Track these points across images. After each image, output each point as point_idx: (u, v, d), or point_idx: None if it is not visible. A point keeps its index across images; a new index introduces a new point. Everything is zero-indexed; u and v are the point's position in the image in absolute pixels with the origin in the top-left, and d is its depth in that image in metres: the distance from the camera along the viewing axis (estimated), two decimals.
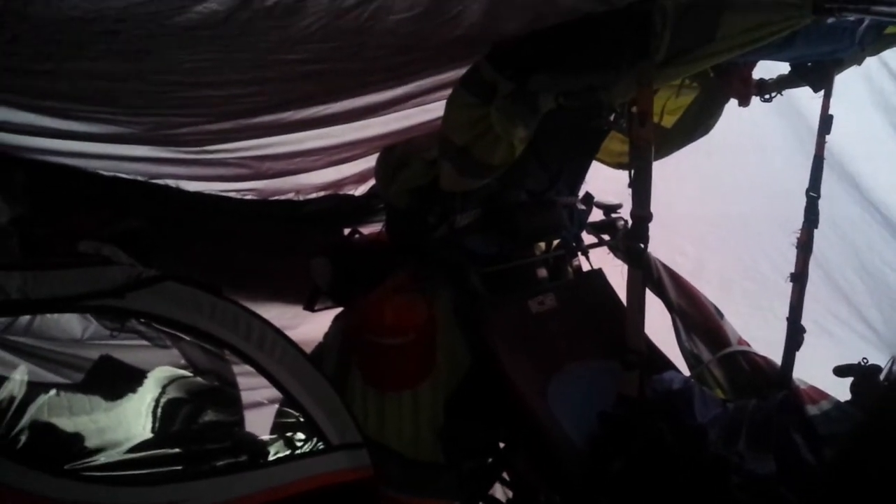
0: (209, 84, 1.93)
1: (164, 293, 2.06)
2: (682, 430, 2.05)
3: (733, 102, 2.48)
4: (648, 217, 1.87)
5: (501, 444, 2.75)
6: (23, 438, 2.14)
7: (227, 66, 1.89)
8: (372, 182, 3.08)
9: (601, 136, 2.66)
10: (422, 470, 2.52)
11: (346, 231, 3.15)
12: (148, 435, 2.34)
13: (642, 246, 1.89)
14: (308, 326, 3.08)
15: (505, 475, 2.89)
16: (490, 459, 2.79)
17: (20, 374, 2.46)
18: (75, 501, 1.92)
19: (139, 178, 2.62)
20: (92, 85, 1.94)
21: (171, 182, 2.69)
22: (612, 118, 2.18)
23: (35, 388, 2.50)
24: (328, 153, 2.59)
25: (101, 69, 1.85)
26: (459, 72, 2.18)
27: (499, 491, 3.09)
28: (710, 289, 2.77)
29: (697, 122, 2.54)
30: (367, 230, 3.20)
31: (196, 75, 1.91)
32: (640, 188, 1.86)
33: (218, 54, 1.81)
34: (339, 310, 2.97)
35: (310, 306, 3.04)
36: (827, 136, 2.22)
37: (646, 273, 1.94)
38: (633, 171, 1.88)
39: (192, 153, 2.42)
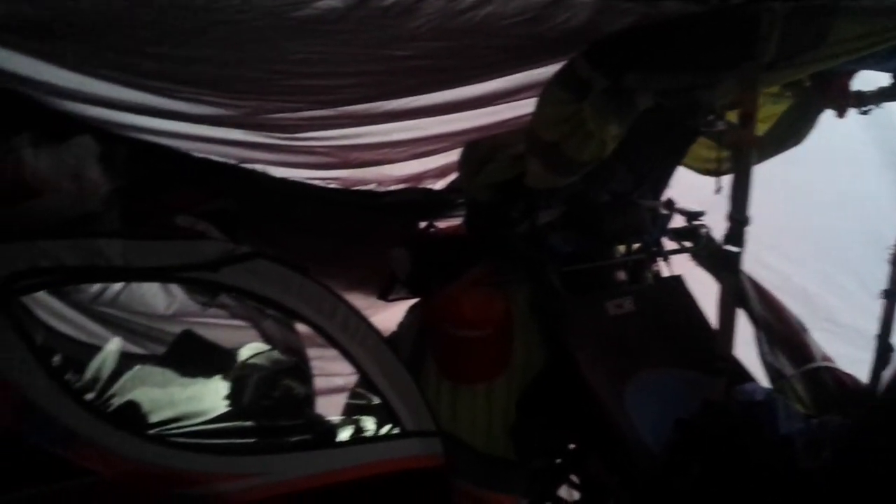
0: (315, 74, 1.99)
1: (255, 270, 2.12)
2: (768, 442, 2.01)
3: (827, 113, 2.44)
4: (746, 221, 1.84)
5: (572, 446, 2.74)
6: (114, 403, 2.26)
7: (336, 58, 1.94)
8: (451, 177, 3.11)
9: (690, 140, 2.63)
10: (492, 464, 2.54)
11: (422, 225, 3.21)
12: (226, 407, 2.41)
13: (738, 250, 1.86)
14: (381, 316, 3.12)
15: (573, 477, 2.89)
16: (560, 460, 2.79)
17: (114, 345, 2.58)
18: (159, 464, 1.98)
19: (229, 161, 2.70)
20: (201, 69, 2.01)
21: (259, 167, 2.77)
22: (710, 119, 2.15)
23: (125, 359, 2.63)
24: (414, 145, 2.63)
25: (213, 55, 1.93)
26: (552, 69, 2.19)
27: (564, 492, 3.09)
28: (793, 303, 2.71)
29: (790, 132, 2.48)
30: (442, 225, 3.25)
31: (304, 65, 1.96)
32: (740, 191, 1.83)
33: (328, 47, 1.87)
34: (412, 301, 3.02)
35: (384, 296, 3.09)
36: None
37: (739, 281, 1.91)
38: (733, 175, 1.85)
39: (284, 139, 2.48)
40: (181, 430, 2.19)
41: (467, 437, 2.53)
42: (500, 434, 2.52)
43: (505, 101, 2.44)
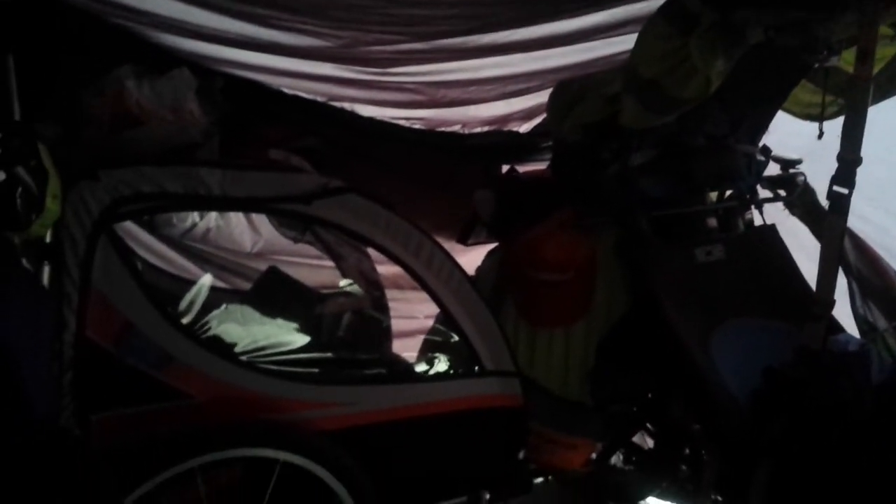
0: (414, 3, 1.96)
1: (346, 204, 2.16)
2: (860, 388, 1.96)
3: None
4: (858, 161, 1.77)
5: (649, 393, 2.73)
6: (208, 331, 2.34)
7: None
8: (537, 120, 3.07)
9: (794, 82, 2.52)
10: (568, 408, 2.55)
11: (505, 168, 3.19)
12: (311, 338, 2.48)
13: (846, 191, 1.79)
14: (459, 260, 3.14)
15: (649, 424, 2.88)
16: (636, 407, 2.78)
17: (206, 280, 2.68)
18: (250, 389, 2.08)
19: (318, 98, 2.72)
20: None
21: (347, 105, 2.78)
22: (824, 54, 2.05)
23: (215, 293, 2.72)
24: (503, 83, 2.60)
25: None
26: (653, 3, 2.11)
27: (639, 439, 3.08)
28: (890, 257, 2.61)
29: None
30: (525, 169, 3.22)
31: None
32: (853, 129, 1.75)
33: None
34: (490, 247, 3.02)
35: (463, 240, 3.09)
36: None
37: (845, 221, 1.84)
38: (846, 112, 1.77)
39: (375, 74, 2.48)
40: (270, 359, 2.26)
41: (543, 380, 2.54)
42: (577, 379, 2.52)
43: (602, 37, 2.37)
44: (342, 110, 2.82)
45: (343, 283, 2.91)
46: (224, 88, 2.35)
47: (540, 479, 3.15)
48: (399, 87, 2.59)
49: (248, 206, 2.29)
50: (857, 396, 1.93)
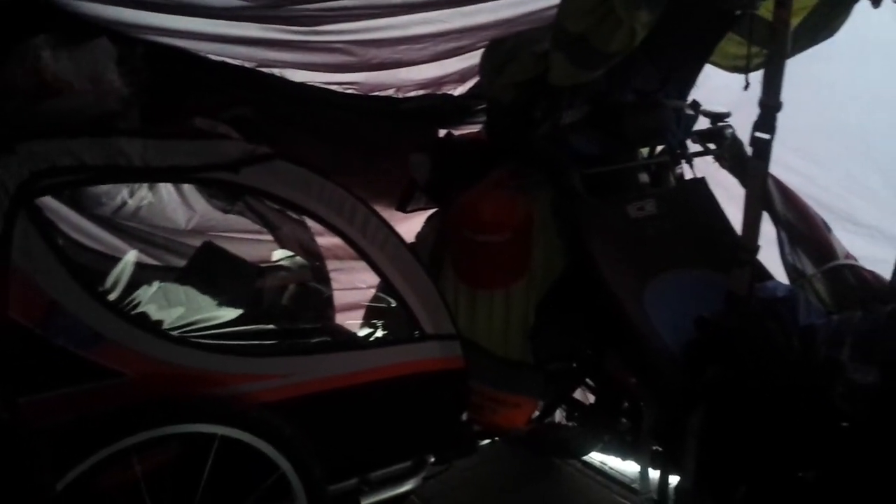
0: None
1: (275, 171, 2.12)
2: (790, 331, 2.02)
3: (862, 4, 2.34)
4: (778, 106, 1.80)
5: (588, 349, 2.76)
6: (137, 307, 2.28)
7: None
8: (471, 83, 3.05)
9: (720, 33, 2.54)
10: (510, 367, 2.56)
11: (442, 133, 3.16)
12: (248, 311, 2.44)
13: (768, 137, 1.82)
14: (398, 229, 3.12)
15: (588, 379, 2.92)
16: (576, 363, 2.82)
17: (132, 256, 2.60)
18: (183, 365, 2.03)
19: (247, 64, 2.64)
20: None
21: (277, 71, 2.71)
22: (747, 1, 2.07)
23: (145, 269, 2.65)
24: (434, 41, 2.54)
25: None
26: None
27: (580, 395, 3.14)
28: (817, 206, 2.67)
29: (823, 23, 2.39)
30: (460, 132, 3.20)
31: None
32: (773, 74, 1.78)
33: None
34: (430, 212, 3.00)
35: (402, 206, 3.07)
36: None
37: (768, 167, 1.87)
38: (766, 58, 1.80)
39: (303, 34, 2.40)
40: (205, 333, 2.23)
41: (485, 341, 2.55)
42: (518, 338, 2.53)
43: None
44: (272, 76, 2.75)
45: (281, 254, 2.88)
46: (147, 56, 2.28)
47: (487, 441, 3.20)
48: (328, 48, 2.52)
49: (171, 176, 2.22)
50: (784, 339, 1.98)
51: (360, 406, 2.31)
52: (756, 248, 1.96)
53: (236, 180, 2.07)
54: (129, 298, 2.33)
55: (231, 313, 2.44)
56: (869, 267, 2.48)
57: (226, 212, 2.72)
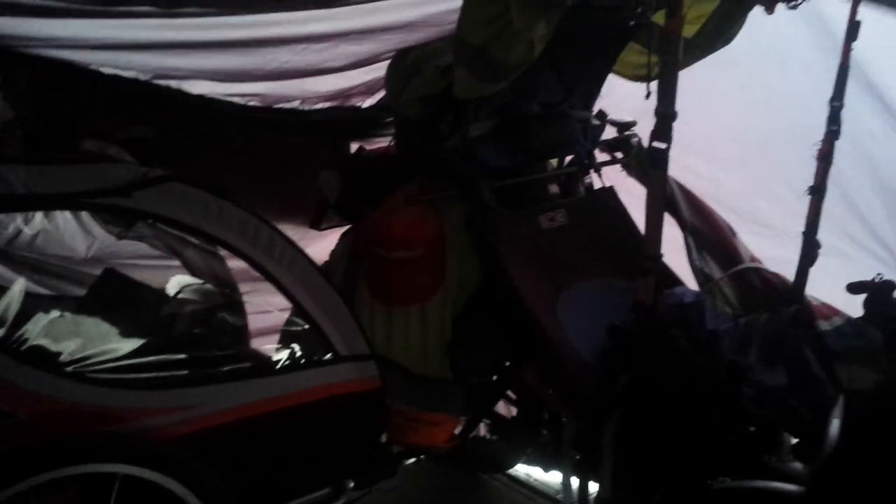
0: None
1: (171, 193, 2.02)
2: (696, 337, 2.04)
3: (756, 12, 2.41)
4: (673, 115, 1.81)
5: (508, 362, 2.75)
6: (27, 342, 2.15)
7: None
8: (379, 95, 3.00)
9: (620, 45, 2.58)
10: (428, 385, 2.52)
11: (353, 146, 3.11)
12: (153, 341, 2.33)
13: (665, 146, 1.84)
14: (315, 248, 3.04)
15: (510, 393, 2.91)
16: (496, 376, 2.80)
17: (19, 286, 2.45)
18: (80, 402, 1.92)
19: (141, 76, 2.53)
20: None
21: (174, 84, 2.61)
22: (639, 12, 2.09)
23: (36, 300, 2.50)
24: (334, 42, 2.46)
25: None
26: None
27: (503, 408, 3.13)
28: (722, 208, 2.73)
29: (719, 32, 2.45)
30: (373, 146, 3.15)
31: None
32: (667, 85, 1.79)
33: None
34: (346, 228, 2.94)
35: (316, 224, 3.00)
36: (853, 45, 2.16)
37: (666, 176, 1.89)
38: (660, 68, 1.81)
39: (196, 29, 2.30)
40: (103, 367, 2.10)
41: (402, 358, 2.51)
42: (436, 354, 2.50)
43: None
44: (169, 89, 2.63)
45: (185, 280, 2.76)
46: (34, 79, 2.16)
47: (412, 460, 3.16)
48: (222, 47, 2.41)
49: (58, 203, 2.10)
50: (689, 345, 2.00)
51: (274, 434, 2.23)
52: (659, 256, 1.98)
53: (128, 205, 1.97)
54: (19, 333, 2.19)
55: (133, 344, 2.32)
56: (775, 268, 2.55)
57: (120, 237, 2.59)
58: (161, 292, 2.70)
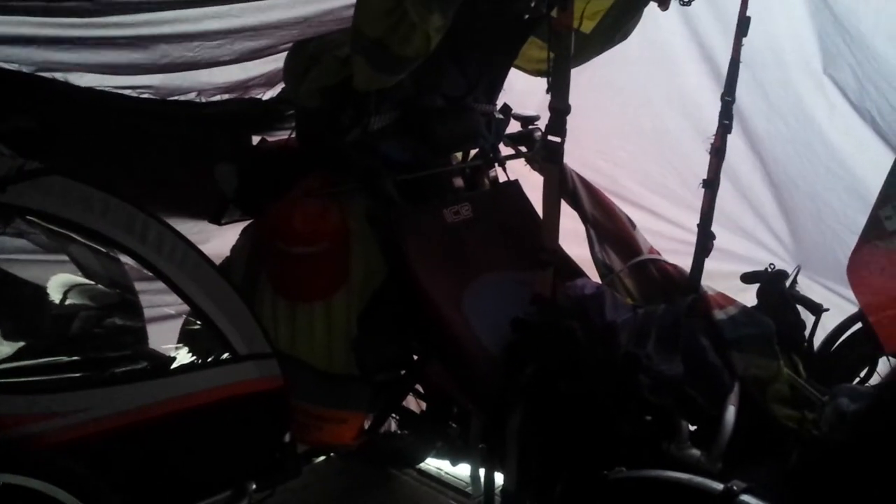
0: None
1: (50, 188, 1.91)
2: (593, 328, 2.07)
3: (651, 10, 2.46)
4: (567, 109, 1.83)
5: (415, 356, 2.73)
6: None
7: None
8: (280, 87, 2.92)
9: (520, 37, 2.58)
10: (334, 382, 2.48)
11: (255, 140, 3.02)
12: (37, 343, 2.21)
13: (560, 140, 1.85)
14: (216, 242, 2.95)
15: (418, 387, 2.89)
16: (403, 371, 2.78)
17: None
18: None
19: (24, 69, 2.38)
20: None
21: (60, 76, 2.47)
22: (532, 5, 2.10)
23: None
24: (230, 38, 2.38)
25: None
26: None
27: (412, 403, 3.11)
28: (621, 204, 2.79)
29: (616, 27, 2.50)
30: (274, 138, 3.07)
31: None
32: (559, 79, 1.81)
33: None
34: (247, 222, 2.86)
35: (216, 219, 2.90)
36: (743, 40, 2.22)
37: (562, 171, 1.90)
38: (553, 62, 1.82)
39: (83, 28, 2.18)
40: None
41: (307, 356, 2.45)
42: (341, 351, 2.46)
43: None
44: (55, 80, 2.49)
45: (76, 280, 2.63)
46: None
47: (321, 458, 3.10)
48: (112, 43, 2.30)
49: None
50: (587, 337, 2.03)
51: (171, 437, 2.15)
52: (556, 249, 1.99)
53: (3, 200, 1.85)
54: None
55: (15, 346, 2.19)
56: (673, 259, 2.61)
57: None
58: (46, 291, 2.57)
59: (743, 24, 2.18)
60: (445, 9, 1.89)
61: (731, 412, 2.03)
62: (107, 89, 2.59)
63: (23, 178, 1.87)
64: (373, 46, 2.06)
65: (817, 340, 2.38)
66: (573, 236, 2.54)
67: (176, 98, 2.74)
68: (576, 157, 1.92)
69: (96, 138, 2.64)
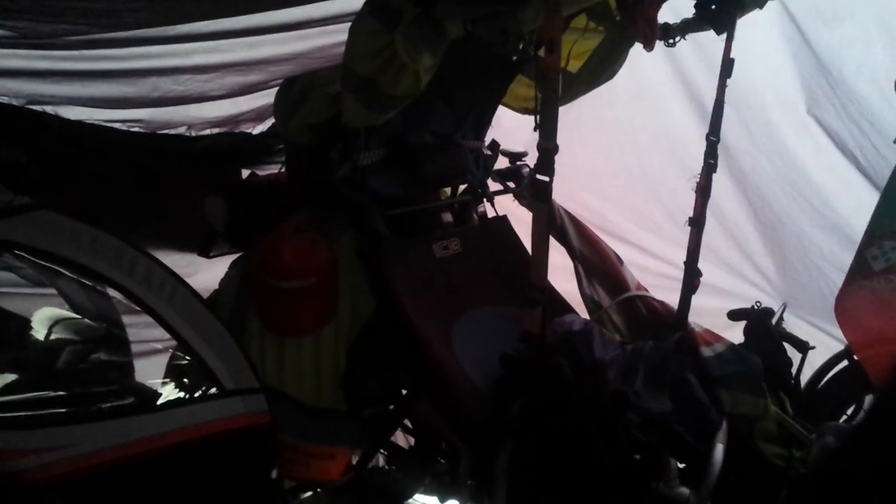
0: None
1: (38, 222, 1.90)
2: (582, 366, 2.07)
3: (637, 50, 2.51)
4: (555, 149, 1.85)
5: (403, 391, 2.72)
6: None
7: None
8: (270, 122, 2.95)
9: (508, 77, 2.62)
10: (322, 417, 2.46)
11: (245, 174, 3.03)
12: (27, 377, 2.19)
13: (548, 179, 1.87)
14: (205, 275, 2.95)
15: (407, 422, 2.87)
16: (392, 406, 2.77)
17: None
18: None
19: (14, 101, 2.40)
20: None
21: (50, 109, 2.48)
22: (520, 47, 2.13)
23: None
24: (220, 73, 2.43)
25: None
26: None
27: (401, 438, 3.09)
28: (608, 239, 2.81)
29: (602, 67, 2.54)
30: (264, 173, 3.09)
31: None
32: (547, 119, 1.83)
33: None
34: (236, 256, 2.86)
35: (204, 252, 2.90)
36: (728, 81, 2.26)
37: (550, 209, 1.92)
38: (540, 103, 1.85)
39: (74, 61, 2.21)
40: None
41: (295, 391, 2.44)
42: (330, 386, 2.44)
43: (315, 26, 2.29)
44: (45, 114, 2.51)
45: (62, 314, 2.62)
46: None
47: (308, 494, 3.06)
48: (103, 76, 2.33)
49: None
50: (576, 374, 2.03)
51: (156, 473, 2.10)
52: (545, 286, 2.00)
53: None
54: None
55: (7, 379, 2.18)
56: (660, 295, 2.63)
57: None
58: (31, 324, 2.55)
59: (727, 66, 2.22)
60: (435, 49, 1.91)
61: (719, 450, 2.02)
62: (97, 122, 2.61)
63: (12, 213, 1.87)
64: (363, 85, 2.08)
65: (804, 378, 2.39)
66: (561, 270, 2.56)
67: (166, 132, 2.76)
68: (564, 193, 1.94)
69: (85, 171, 2.66)
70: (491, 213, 2.81)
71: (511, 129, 2.84)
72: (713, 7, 2.29)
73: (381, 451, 2.94)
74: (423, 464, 2.82)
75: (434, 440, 2.76)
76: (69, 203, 2.04)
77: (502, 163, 2.85)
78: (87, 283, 2.55)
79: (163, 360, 2.85)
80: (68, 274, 2.41)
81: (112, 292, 2.32)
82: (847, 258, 2.26)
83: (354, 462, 2.70)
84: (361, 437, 2.62)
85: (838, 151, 2.72)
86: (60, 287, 2.54)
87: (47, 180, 2.36)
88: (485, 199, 2.78)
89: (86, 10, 1.80)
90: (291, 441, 2.42)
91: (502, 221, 2.75)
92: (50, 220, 1.92)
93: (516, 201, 2.81)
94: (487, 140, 2.84)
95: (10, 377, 2.18)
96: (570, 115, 1.92)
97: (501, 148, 2.81)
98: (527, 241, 2.73)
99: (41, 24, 1.92)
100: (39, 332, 2.49)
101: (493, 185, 2.84)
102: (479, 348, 2.37)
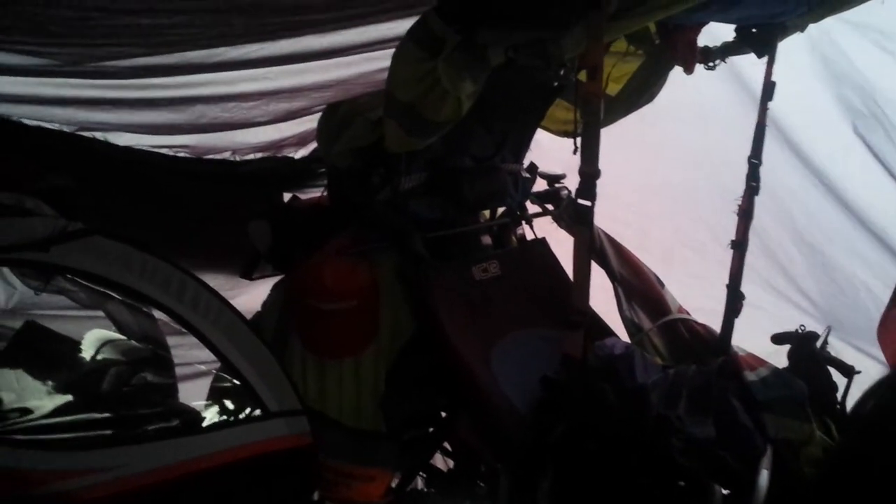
0: (133, 11, 1.80)
1: (91, 248, 1.96)
2: (624, 390, 2.06)
3: (677, 71, 2.50)
4: (597, 174, 1.85)
5: (443, 414, 2.73)
6: None
7: None
8: (312, 146, 3.00)
9: (548, 101, 2.64)
10: (362, 439, 2.47)
11: (287, 196, 3.08)
12: (76, 398, 2.24)
13: (590, 204, 1.87)
14: (246, 297, 3.00)
15: (446, 445, 2.87)
16: (431, 429, 2.77)
17: None
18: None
19: (65, 128, 2.48)
20: (11, 10, 1.80)
21: (100, 135, 2.56)
22: (562, 73, 2.14)
23: None
24: (265, 100, 2.48)
25: None
26: (405, 24, 2.12)
27: (440, 461, 3.08)
28: (651, 258, 2.80)
29: (642, 90, 2.54)
30: (306, 196, 3.13)
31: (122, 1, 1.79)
32: (589, 145, 1.83)
33: None
34: (278, 278, 2.90)
35: (247, 274, 2.94)
36: (769, 104, 2.25)
37: (591, 233, 1.92)
38: (582, 128, 1.86)
39: (122, 89, 2.28)
40: (20, 426, 2.01)
41: (336, 412, 2.46)
42: (370, 407, 2.46)
43: (359, 52, 2.34)
44: (94, 140, 2.58)
45: (110, 336, 2.67)
46: None
47: None
48: (151, 104, 2.40)
49: None
50: (618, 399, 2.02)
51: (200, 494, 2.14)
52: (587, 311, 1.99)
53: (45, 260, 1.90)
54: None
55: (53, 402, 2.22)
56: (702, 318, 2.60)
57: (37, 292, 2.50)
58: (81, 346, 2.60)
59: (768, 89, 2.21)
60: (477, 76, 1.94)
61: (764, 476, 1.99)
62: (144, 148, 2.68)
63: (66, 239, 1.92)
64: (405, 111, 2.11)
65: (849, 402, 2.34)
66: (599, 290, 2.55)
67: (211, 157, 2.82)
68: (606, 212, 1.94)
69: (133, 196, 2.73)
70: (529, 236, 2.82)
71: (551, 149, 2.85)
72: (754, 31, 2.29)
73: (421, 473, 2.94)
74: (462, 486, 2.81)
75: (473, 463, 2.75)
76: (118, 227, 2.10)
77: (540, 185, 2.85)
78: (135, 305, 2.62)
79: (205, 382, 2.89)
80: (117, 297, 2.48)
81: (158, 314, 2.37)
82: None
83: (394, 484, 2.71)
84: (401, 460, 2.62)
85: (885, 171, 2.68)
86: (108, 309, 2.60)
87: (96, 205, 2.42)
88: (523, 222, 2.78)
89: (133, 27, 1.85)
90: (332, 462, 2.44)
91: (541, 244, 2.75)
92: (103, 245, 1.98)
93: (554, 223, 2.81)
94: (526, 162, 2.85)
95: (59, 398, 2.23)
96: (613, 134, 1.92)
97: (540, 170, 2.82)
98: (565, 263, 2.76)
99: (88, 49, 1.98)
100: (87, 354, 2.55)
101: (532, 208, 2.85)
102: (519, 370, 2.37)
